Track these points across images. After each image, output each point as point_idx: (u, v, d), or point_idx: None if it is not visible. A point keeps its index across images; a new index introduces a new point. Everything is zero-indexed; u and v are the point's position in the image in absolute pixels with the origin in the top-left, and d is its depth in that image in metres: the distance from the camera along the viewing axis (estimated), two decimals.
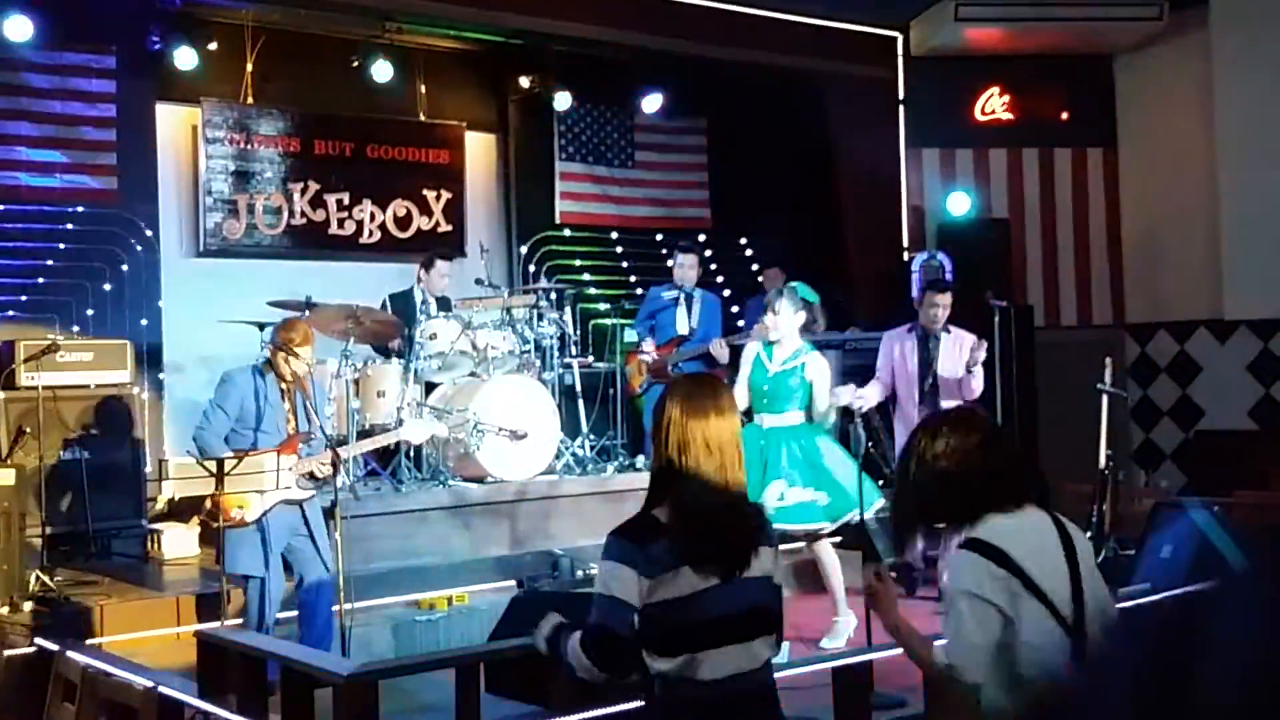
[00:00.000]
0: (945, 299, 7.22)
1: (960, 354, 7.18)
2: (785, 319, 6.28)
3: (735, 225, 11.22)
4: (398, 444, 7.52)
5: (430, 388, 8.09)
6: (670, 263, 8.89)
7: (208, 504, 5.63)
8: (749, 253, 11.10)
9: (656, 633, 2.96)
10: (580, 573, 6.97)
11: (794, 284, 7.33)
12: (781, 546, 3.38)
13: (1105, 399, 7.68)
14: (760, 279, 10.02)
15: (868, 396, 7.13)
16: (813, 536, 6.35)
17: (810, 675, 4.90)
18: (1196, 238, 10.43)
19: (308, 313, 7.43)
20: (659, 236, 10.91)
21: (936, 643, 3.13)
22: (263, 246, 9.55)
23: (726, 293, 10.68)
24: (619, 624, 2.94)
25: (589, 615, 3.00)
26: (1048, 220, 11.09)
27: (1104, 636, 2.99)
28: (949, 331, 7.24)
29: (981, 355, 7.05)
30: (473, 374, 7.94)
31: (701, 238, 10.78)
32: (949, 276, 9.80)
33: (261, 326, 7.87)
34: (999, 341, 8.68)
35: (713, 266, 10.77)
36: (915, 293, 9.72)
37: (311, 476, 5.82)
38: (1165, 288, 10.67)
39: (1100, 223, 11.05)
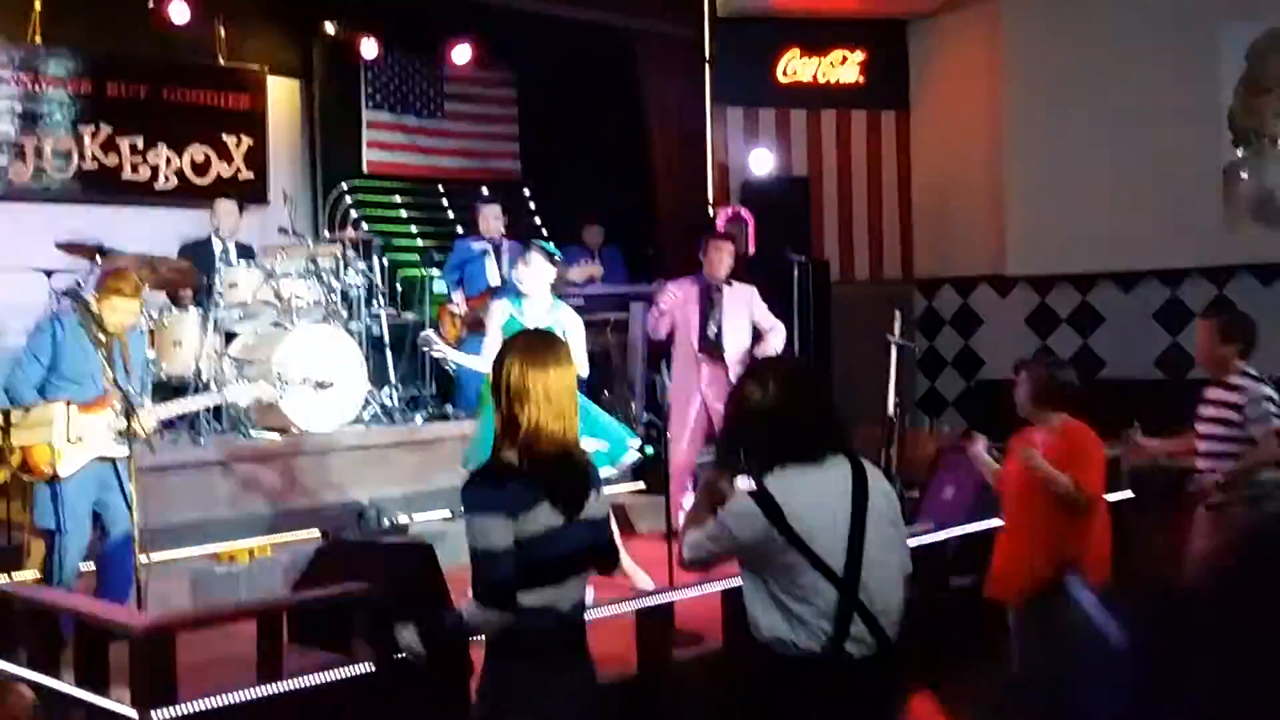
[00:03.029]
0: (727, 246, 7.44)
1: (742, 307, 7.43)
2: (537, 271, 6.29)
3: (546, 178, 11.27)
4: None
5: (231, 338, 7.93)
6: (477, 215, 8.89)
7: (14, 457, 5.42)
8: (558, 205, 11.16)
9: (518, 569, 3.13)
10: (387, 521, 6.99)
11: (541, 241, 7.47)
12: None
13: (894, 350, 8.07)
14: (582, 233, 10.08)
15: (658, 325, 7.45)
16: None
17: (612, 617, 5.06)
18: (982, 198, 10.97)
19: (99, 259, 7.21)
20: (458, 187, 10.87)
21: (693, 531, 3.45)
22: (52, 191, 9.15)
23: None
24: (506, 570, 3.11)
25: (476, 573, 3.14)
26: (844, 179, 11.49)
27: (882, 587, 3.32)
28: (730, 285, 7.48)
29: (762, 318, 7.34)
30: (276, 324, 7.82)
31: (486, 190, 10.78)
32: (750, 232, 10.08)
33: (50, 274, 7.59)
34: (796, 295, 9.01)
35: (524, 219, 10.81)
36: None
37: (129, 432, 5.66)
38: (952, 245, 11.21)
39: (893, 182, 11.51)
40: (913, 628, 6.05)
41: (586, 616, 3.42)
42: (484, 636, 3.29)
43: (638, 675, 5.15)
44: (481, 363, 6.46)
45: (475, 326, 8.34)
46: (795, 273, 9.05)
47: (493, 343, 6.38)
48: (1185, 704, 1.44)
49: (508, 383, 3.24)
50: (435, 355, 6.74)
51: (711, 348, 7.41)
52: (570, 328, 6.26)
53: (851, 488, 3.33)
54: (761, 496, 3.28)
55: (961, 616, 6.14)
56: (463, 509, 3.24)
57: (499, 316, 6.34)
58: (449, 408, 8.53)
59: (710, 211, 10.89)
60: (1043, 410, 5.52)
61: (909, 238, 11.44)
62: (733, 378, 7.39)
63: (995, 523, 5.80)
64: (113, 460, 5.60)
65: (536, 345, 3.34)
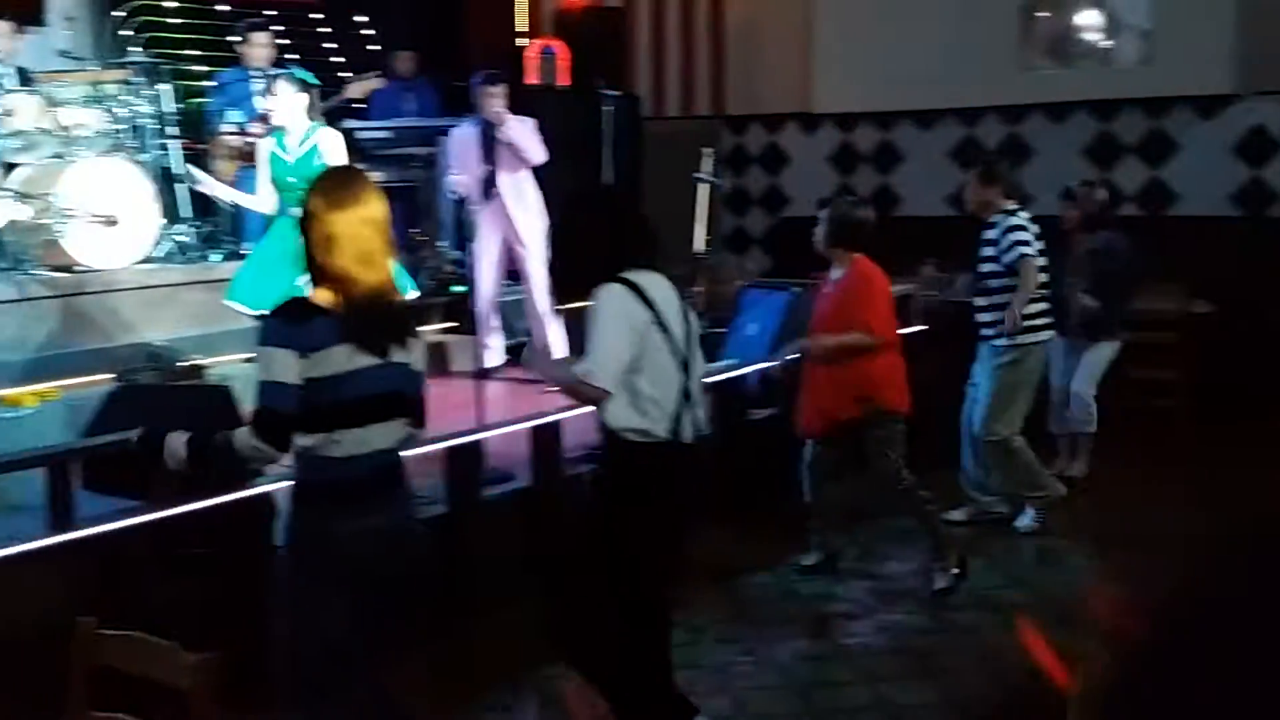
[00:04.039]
0: (496, 93, 7.35)
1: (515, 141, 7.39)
2: (286, 101, 6.29)
3: (341, 3, 10.75)
4: None
5: (11, 170, 7.45)
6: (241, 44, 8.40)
7: None
8: (355, 33, 10.69)
9: (308, 408, 3.15)
10: (181, 364, 6.77)
11: (292, 68, 7.27)
12: None
13: (703, 188, 8.11)
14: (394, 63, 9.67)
15: (461, 183, 7.37)
16: None
17: (422, 455, 5.06)
18: (792, 35, 10.96)
19: None
20: (243, 10, 10.26)
21: (582, 363, 3.77)
22: None
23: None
24: (283, 403, 3.13)
25: (257, 402, 3.18)
26: (659, 11, 11.32)
27: (697, 383, 3.88)
28: (506, 122, 7.43)
29: (515, 130, 7.27)
30: (58, 155, 7.39)
31: (275, 13, 10.25)
32: (564, 65, 9.89)
33: None
34: (609, 129, 8.94)
35: (315, 45, 10.34)
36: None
37: None
38: (762, 82, 11.21)
39: (706, 15, 11.37)
40: (718, 455, 6.26)
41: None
42: (292, 480, 3.33)
43: (447, 513, 5.20)
44: (255, 201, 6.46)
45: (248, 159, 8.02)
46: (609, 108, 8.96)
47: (263, 182, 6.33)
48: None
49: (312, 225, 3.22)
50: (205, 192, 6.82)
51: (490, 187, 7.37)
52: (328, 149, 6.22)
53: (676, 296, 3.82)
54: (623, 281, 3.68)
55: (760, 447, 6.38)
56: (257, 340, 3.26)
57: (264, 154, 6.36)
58: (245, 246, 8.23)
59: (521, 42, 10.60)
60: (838, 249, 5.73)
61: (721, 73, 11.39)
62: (511, 213, 7.38)
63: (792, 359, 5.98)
64: None
65: (335, 187, 3.29)
